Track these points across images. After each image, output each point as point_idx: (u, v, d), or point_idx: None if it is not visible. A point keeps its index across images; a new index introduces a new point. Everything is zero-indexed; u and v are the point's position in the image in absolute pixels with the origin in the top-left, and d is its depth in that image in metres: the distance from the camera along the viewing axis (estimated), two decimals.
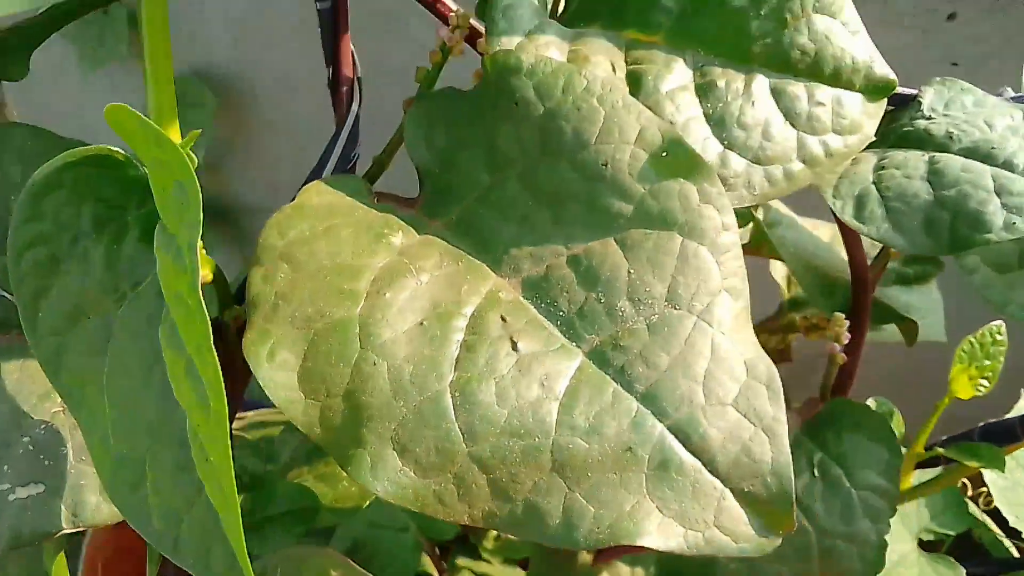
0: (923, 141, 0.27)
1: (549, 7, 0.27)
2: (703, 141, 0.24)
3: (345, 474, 0.28)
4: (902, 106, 0.28)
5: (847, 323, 0.33)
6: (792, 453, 0.19)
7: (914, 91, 0.28)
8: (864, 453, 0.32)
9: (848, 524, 0.31)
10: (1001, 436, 0.34)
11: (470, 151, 0.24)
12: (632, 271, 0.21)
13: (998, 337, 0.33)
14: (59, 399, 0.23)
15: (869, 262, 0.34)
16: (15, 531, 0.21)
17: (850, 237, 0.33)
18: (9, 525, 0.21)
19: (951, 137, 0.26)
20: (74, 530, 0.21)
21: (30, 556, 0.30)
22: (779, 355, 0.43)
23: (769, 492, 0.19)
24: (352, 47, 0.30)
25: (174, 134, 0.21)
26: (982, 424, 0.36)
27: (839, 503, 0.31)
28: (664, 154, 0.22)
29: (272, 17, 0.71)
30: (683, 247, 0.21)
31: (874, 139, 0.26)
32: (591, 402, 0.19)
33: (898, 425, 0.37)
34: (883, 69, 0.26)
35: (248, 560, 0.16)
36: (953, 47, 0.60)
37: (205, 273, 0.22)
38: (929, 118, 0.27)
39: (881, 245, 0.34)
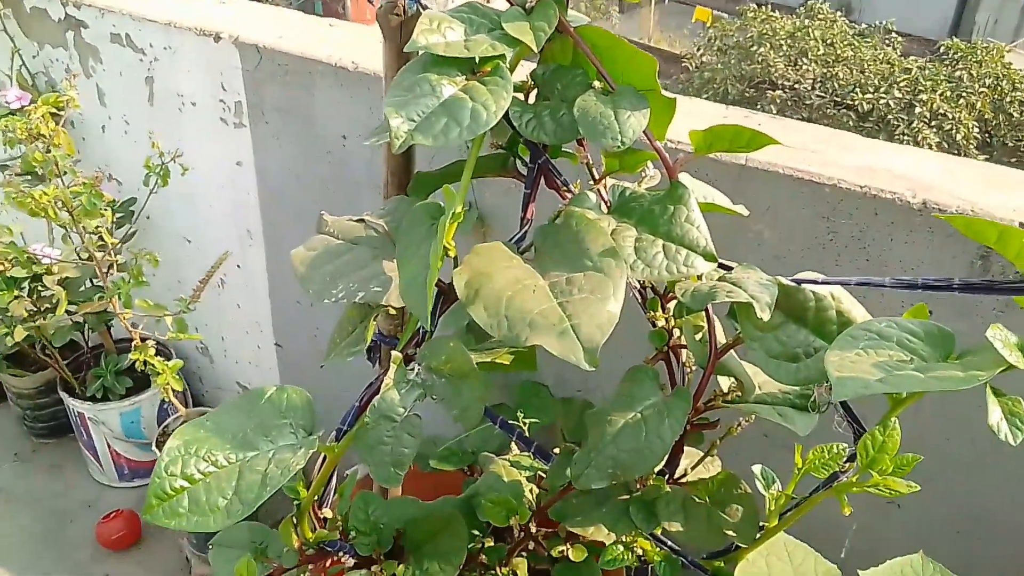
0: (725, 278, 0.67)
1: (603, 204, 0.72)
2: (628, 255, 0.67)
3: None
4: (729, 269, 0.69)
5: None
6: None
7: (734, 266, 0.69)
8: None
9: None
10: None
11: (548, 243, 0.69)
12: (584, 282, 0.64)
13: None
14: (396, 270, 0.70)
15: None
16: (372, 299, 0.67)
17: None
18: (370, 296, 0.67)
19: (730, 278, 0.66)
20: (386, 305, 0.67)
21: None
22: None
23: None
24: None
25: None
26: None
27: None
28: (607, 251, 0.65)
29: None
30: (603, 280, 0.64)
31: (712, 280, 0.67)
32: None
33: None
34: (711, 249, 0.66)
35: (428, 299, 0.61)
36: None
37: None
38: (731, 273, 0.67)
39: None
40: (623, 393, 0.70)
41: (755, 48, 7.63)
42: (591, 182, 0.77)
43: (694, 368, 0.73)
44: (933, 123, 6.95)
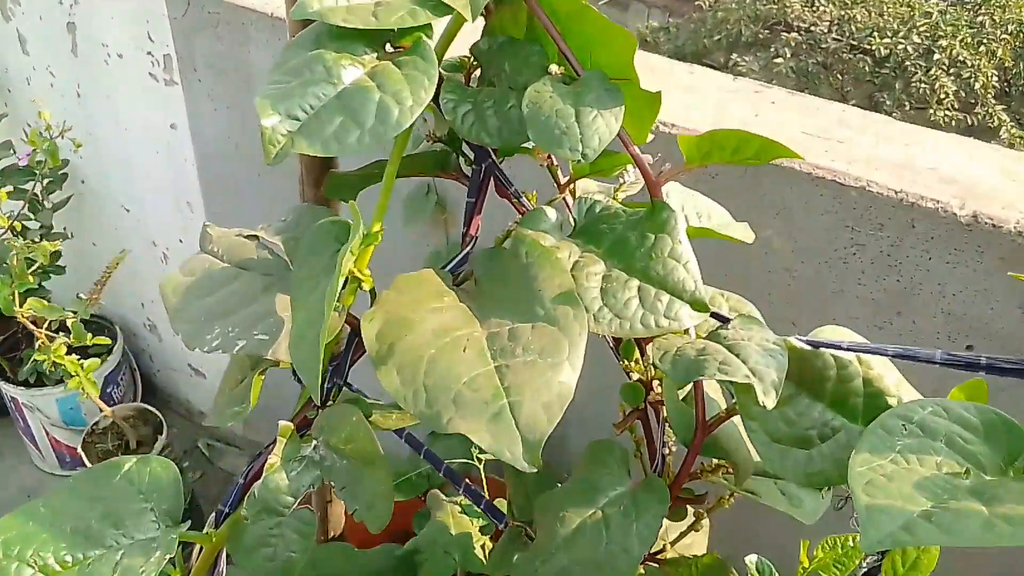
0: (718, 336, 0.51)
1: (562, 224, 0.55)
2: (592, 299, 0.50)
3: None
4: (726, 321, 0.52)
5: None
6: None
7: (731, 317, 0.52)
8: None
9: None
10: None
11: (492, 275, 0.53)
12: (531, 338, 0.48)
13: None
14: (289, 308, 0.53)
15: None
16: (254, 351, 0.51)
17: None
18: (252, 347, 0.51)
19: (725, 338, 0.50)
20: (272, 360, 0.51)
21: None
22: None
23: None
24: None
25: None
26: None
27: None
28: (564, 295, 0.49)
29: None
30: (557, 337, 0.48)
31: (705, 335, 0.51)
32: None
33: None
34: (702, 296, 0.50)
35: (319, 362, 0.45)
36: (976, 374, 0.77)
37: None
38: (727, 330, 0.51)
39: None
40: (581, 478, 0.55)
41: None
42: (556, 187, 0.60)
43: (676, 445, 0.57)
44: (952, 71, 6.68)
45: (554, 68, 0.49)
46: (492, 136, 0.51)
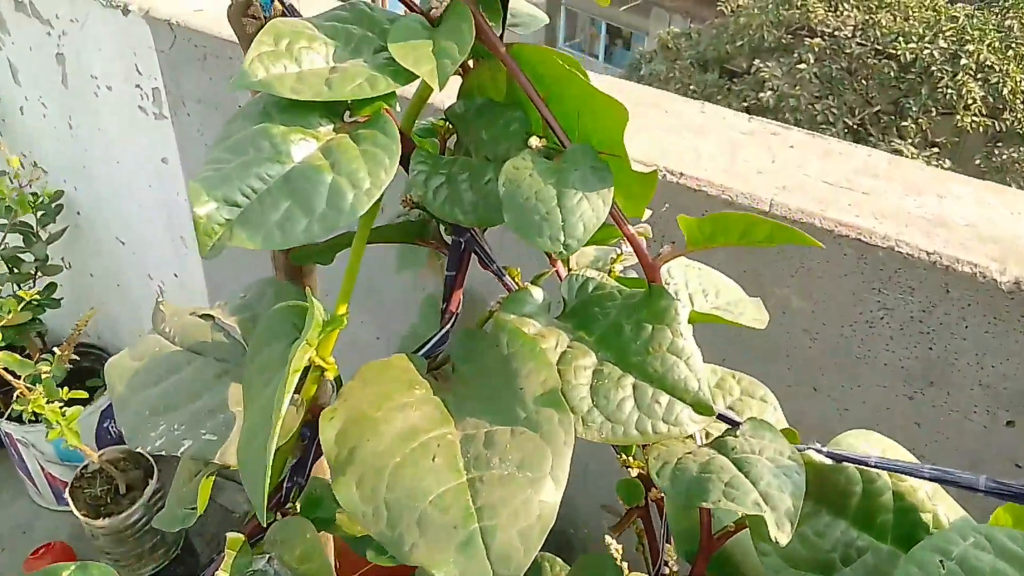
0: (726, 446, 0.44)
1: (550, 305, 0.49)
2: (581, 399, 0.44)
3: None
4: (735, 425, 0.46)
5: None
6: None
7: (741, 420, 0.46)
8: None
9: None
10: None
11: (470, 363, 0.47)
12: (510, 446, 0.42)
13: None
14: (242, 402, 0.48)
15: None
16: (199, 453, 0.46)
17: None
18: (198, 448, 0.46)
19: (734, 449, 0.43)
20: (220, 464, 0.45)
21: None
22: None
23: None
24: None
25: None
26: None
27: None
28: (548, 395, 0.43)
29: None
30: (539, 445, 0.42)
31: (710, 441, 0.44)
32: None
33: None
34: (706, 397, 0.44)
35: (266, 473, 0.39)
36: (1015, 450, 0.69)
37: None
38: (737, 437, 0.45)
39: None
40: None
41: None
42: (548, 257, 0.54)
43: (678, 563, 0.51)
44: (979, 76, 6.53)
45: (535, 141, 0.43)
46: (467, 214, 0.45)
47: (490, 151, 0.46)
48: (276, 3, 0.47)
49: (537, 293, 0.49)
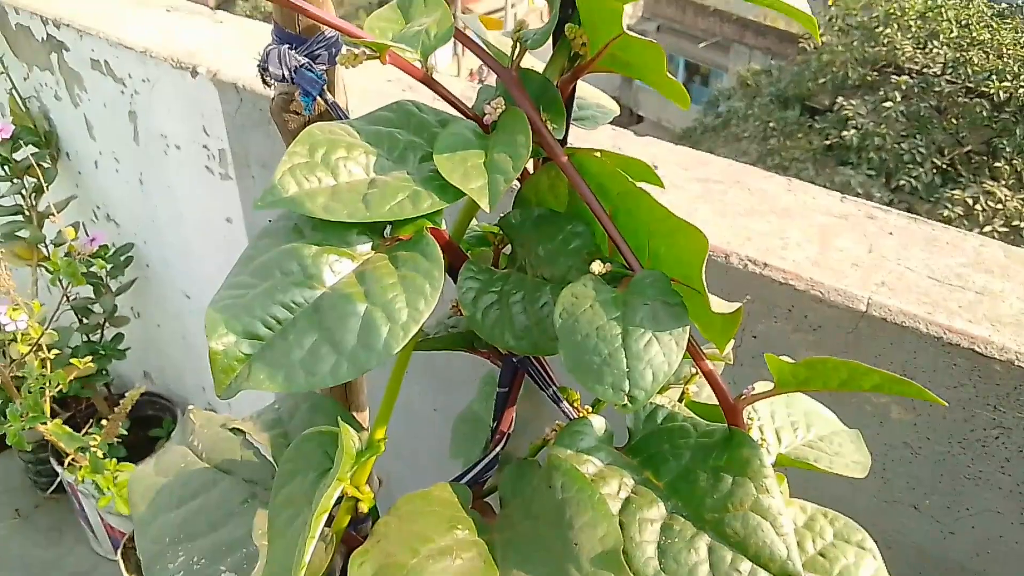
0: None
1: (613, 436, 0.43)
2: (646, 561, 0.38)
3: None
4: None
5: None
6: None
7: None
8: None
9: None
10: None
11: (521, 500, 0.41)
12: None
13: None
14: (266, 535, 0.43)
15: None
16: None
17: None
18: None
19: None
20: None
21: None
22: None
23: None
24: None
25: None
26: None
27: None
28: (608, 555, 0.37)
29: None
30: None
31: None
32: None
33: None
34: (796, 568, 0.37)
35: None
36: None
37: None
38: None
39: None
40: None
41: (881, 29, 7.09)
42: None
43: None
44: None
45: (597, 267, 0.37)
46: (519, 339, 0.40)
47: (547, 270, 0.40)
48: (319, 100, 0.43)
49: (598, 423, 0.43)
